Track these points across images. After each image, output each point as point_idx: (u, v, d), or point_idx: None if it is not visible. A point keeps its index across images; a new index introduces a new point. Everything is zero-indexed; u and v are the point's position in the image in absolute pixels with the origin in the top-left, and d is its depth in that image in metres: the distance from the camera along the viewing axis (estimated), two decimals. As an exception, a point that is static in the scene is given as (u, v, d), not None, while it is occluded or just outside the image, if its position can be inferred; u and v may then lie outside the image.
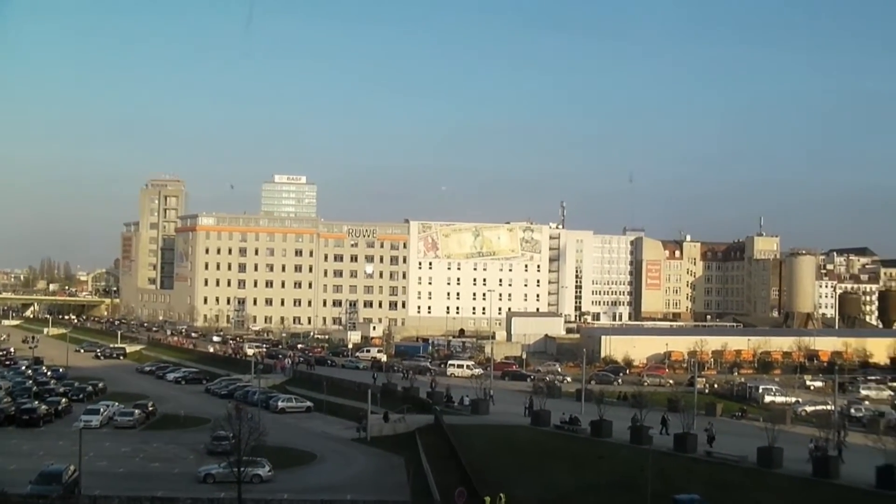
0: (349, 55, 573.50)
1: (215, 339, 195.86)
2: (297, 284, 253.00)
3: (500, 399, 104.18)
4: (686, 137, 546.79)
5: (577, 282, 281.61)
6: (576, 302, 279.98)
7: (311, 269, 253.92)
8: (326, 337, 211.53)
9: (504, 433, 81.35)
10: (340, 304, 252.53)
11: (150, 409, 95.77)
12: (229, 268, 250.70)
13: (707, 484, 58.77)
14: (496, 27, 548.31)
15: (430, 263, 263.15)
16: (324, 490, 59.90)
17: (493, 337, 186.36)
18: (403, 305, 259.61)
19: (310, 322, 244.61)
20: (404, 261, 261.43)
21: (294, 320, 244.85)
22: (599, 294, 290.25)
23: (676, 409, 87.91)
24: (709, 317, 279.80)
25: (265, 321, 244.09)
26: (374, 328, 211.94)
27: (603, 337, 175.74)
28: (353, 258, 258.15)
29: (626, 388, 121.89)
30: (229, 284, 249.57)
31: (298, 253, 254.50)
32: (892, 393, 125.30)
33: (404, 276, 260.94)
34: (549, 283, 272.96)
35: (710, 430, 75.44)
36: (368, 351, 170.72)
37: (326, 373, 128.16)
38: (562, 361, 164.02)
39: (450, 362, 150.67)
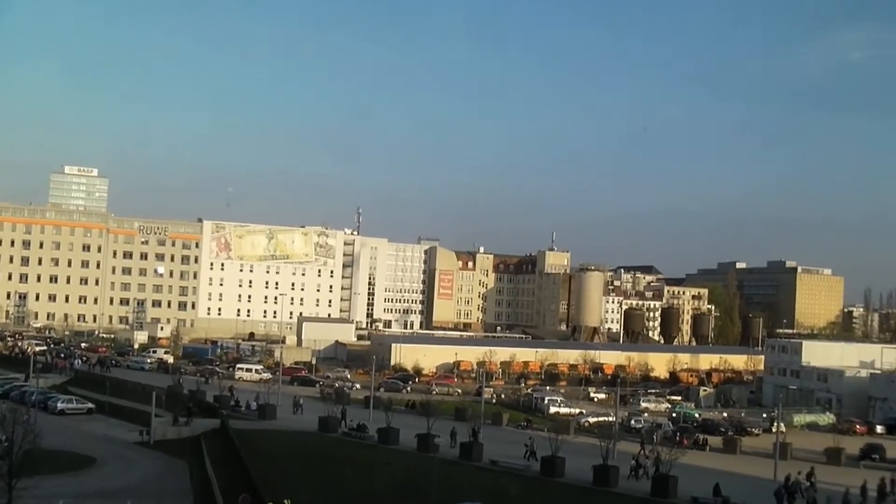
0: (143, 46, 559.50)
1: None
2: (84, 281, 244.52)
3: (289, 404, 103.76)
4: (483, 152, 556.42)
5: (369, 289, 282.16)
6: (368, 309, 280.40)
7: (98, 266, 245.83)
8: (112, 336, 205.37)
9: (291, 439, 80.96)
10: (128, 302, 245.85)
11: None
12: (11, 260, 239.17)
13: (490, 492, 59.87)
14: (290, 26, 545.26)
15: (223, 265, 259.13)
16: (102, 495, 57.97)
17: (284, 341, 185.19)
18: (193, 306, 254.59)
19: (95, 320, 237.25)
20: (196, 261, 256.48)
21: (79, 318, 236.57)
22: (392, 302, 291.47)
23: (464, 419, 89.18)
24: (499, 328, 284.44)
25: (48, 318, 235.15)
26: (162, 329, 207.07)
27: (393, 344, 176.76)
28: (144, 256, 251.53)
29: (415, 396, 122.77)
30: (10, 278, 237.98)
31: (86, 248, 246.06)
32: (669, 405, 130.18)
33: (195, 277, 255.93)
34: (342, 288, 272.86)
35: (530, 445, 75.29)
36: (155, 352, 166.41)
37: (111, 374, 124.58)
38: (352, 368, 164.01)
39: (238, 366, 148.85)
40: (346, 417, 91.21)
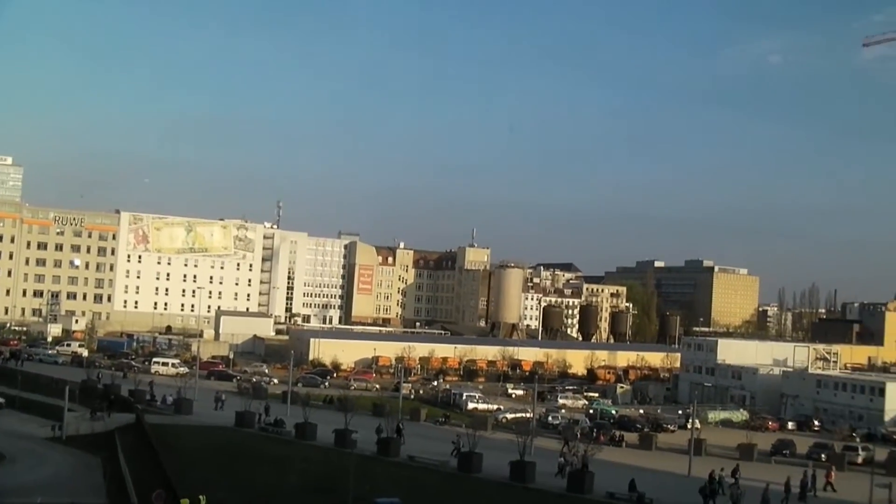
0: (58, 34, 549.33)
1: None
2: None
3: (206, 399, 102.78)
4: (404, 148, 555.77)
5: (289, 283, 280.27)
6: (287, 303, 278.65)
7: (11, 256, 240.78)
8: (25, 329, 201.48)
9: (208, 434, 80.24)
10: (42, 294, 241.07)
11: None
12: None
13: (408, 487, 59.88)
14: (200, 19, 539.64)
15: (140, 257, 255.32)
16: (12, 492, 56.57)
17: (201, 335, 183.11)
18: (110, 299, 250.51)
19: (7, 312, 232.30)
20: (113, 253, 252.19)
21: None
22: (311, 296, 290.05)
23: (382, 414, 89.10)
24: (418, 323, 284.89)
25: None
26: (77, 321, 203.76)
27: (312, 339, 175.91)
28: (59, 247, 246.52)
29: (333, 391, 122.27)
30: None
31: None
32: (586, 402, 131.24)
33: (112, 269, 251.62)
34: (261, 282, 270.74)
35: (457, 443, 74.10)
36: (69, 345, 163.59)
37: (24, 367, 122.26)
38: (270, 363, 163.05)
39: (154, 360, 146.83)
40: (269, 413, 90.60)
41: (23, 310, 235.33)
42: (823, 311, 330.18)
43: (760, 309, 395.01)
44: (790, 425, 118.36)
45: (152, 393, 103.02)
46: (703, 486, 63.33)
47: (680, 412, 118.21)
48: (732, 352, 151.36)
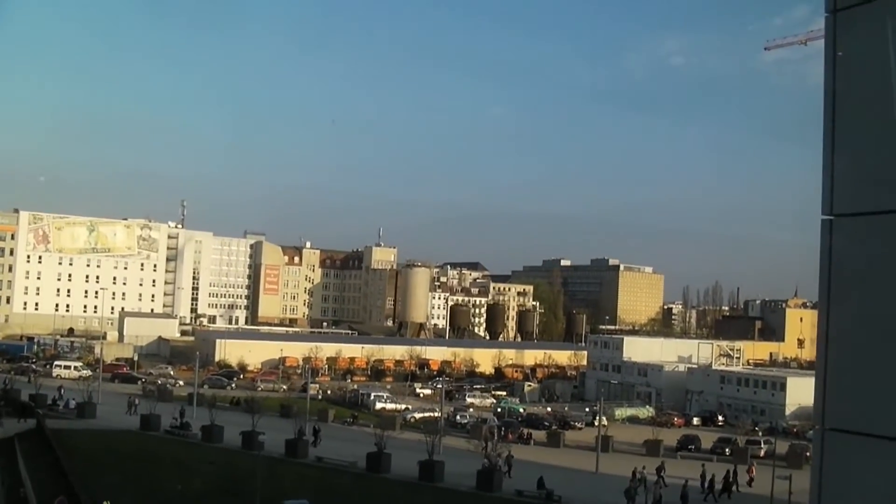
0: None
1: None
2: None
3: (109, 402, 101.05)
4: (310, 147, 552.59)
5: (194, 283, 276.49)
6: (192, 304, 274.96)
7: None
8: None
9: (112, 438, 78.84)
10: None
11: None
12: None
13: (317, 489, 59.57)
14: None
15: (40, 257, 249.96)
16: None
17: (105, 337, 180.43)
18: (8, 301, 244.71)
19: None
20: (11, 253, 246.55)
21: None
22: (217, 297, 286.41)
23: (289, 415, 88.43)
24: (325, 324, 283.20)
25: None
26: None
27: (218, 340, 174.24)
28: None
29: (240, 392, 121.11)
30: None
31: None
32: (494, 401, 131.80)
33: (10, 270, 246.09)
34: (166, 283, 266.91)
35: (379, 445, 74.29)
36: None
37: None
38: (175, 364, 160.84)
39: (56, 363, 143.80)
40: (184, 416, 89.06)
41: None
42: (727, 308, 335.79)
43: (665, 307, 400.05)
44: (695, 421, 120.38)
45: (61, 396, 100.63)
46: (629, 487, 63.39)
47: (587, 410, 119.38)
48: (638, 349, 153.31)
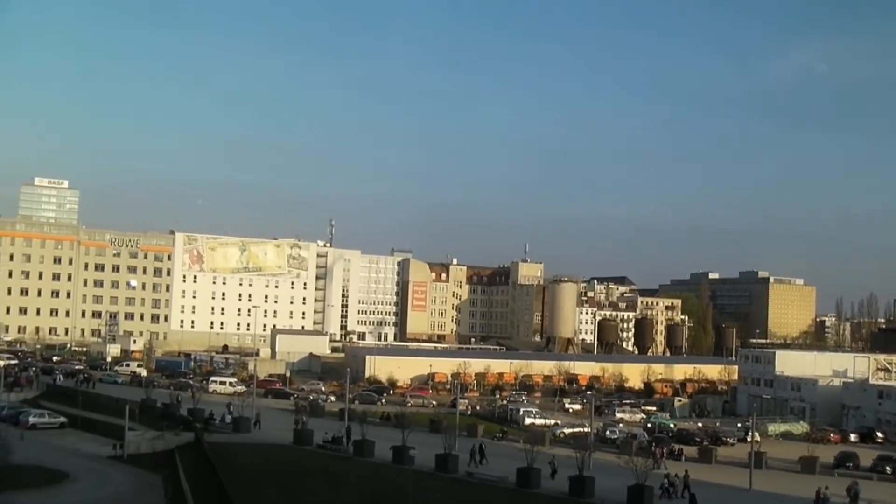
0: (114, 58, 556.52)
1: None
2: (55, 293, 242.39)
3: (263, 417, 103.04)
4: (455, 163, 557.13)
5: (343, 300, 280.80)
6: (341, 321, 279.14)
7: (70, 278, 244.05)
8: (84, 349, 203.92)
9: (266, 452, 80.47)
10: (100, 315, 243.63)
11: None
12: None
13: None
14: (257, 42, 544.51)
15: (195, 277, 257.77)
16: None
17: (258, 354, 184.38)
18: (166, 319, 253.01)
19: (67, 333, 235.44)
20: (168, 273, 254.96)
21: (50, 331, 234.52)
22: (365, 314, 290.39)
23: (439, 430, 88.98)
24: (473, 339, 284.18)
25: (18, 331, 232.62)
26: (135, 342, 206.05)
27: (368, 356, 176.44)
28: (116, 268, 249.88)
29: (390, 408, 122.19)
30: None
31: (57, 261, 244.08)
32: (644, 416, 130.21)
33: (168, 289, 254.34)
34: (316, 300, 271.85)
35: (553, 464, 74.00)
36: (128, 365, 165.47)
37: (83, 387, 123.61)
38: (326, 380, 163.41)
39: (212, 379, 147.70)
40: (351, 435, 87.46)
41: (82, 330, 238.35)
42: (883, 321, 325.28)
43: (818, 319, 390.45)
44: (852, 437, 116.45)
45: (230, 412, 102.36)
46: None
47: (739, 425, 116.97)
48: (791, 363, 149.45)
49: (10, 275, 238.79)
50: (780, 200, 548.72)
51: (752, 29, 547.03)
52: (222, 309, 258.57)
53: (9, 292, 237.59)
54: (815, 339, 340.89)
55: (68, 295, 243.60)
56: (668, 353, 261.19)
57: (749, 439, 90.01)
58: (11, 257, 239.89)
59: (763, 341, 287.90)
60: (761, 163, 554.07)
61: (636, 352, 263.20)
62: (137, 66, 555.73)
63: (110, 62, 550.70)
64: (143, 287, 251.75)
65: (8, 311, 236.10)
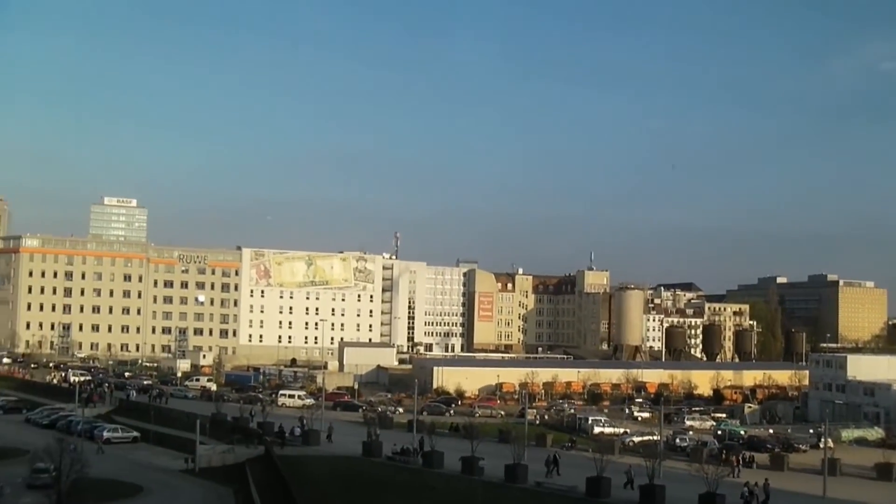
0: (179, 79, 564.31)
1: (5, 360, 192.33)
2: (126, 310, 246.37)
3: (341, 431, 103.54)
4: (518, 173, 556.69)
5: (409, 312, 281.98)
6: (408, 332, 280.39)
7: (140, 295, 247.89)
8: (155, 365, 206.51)
9: (336, 464, 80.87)
10: (170, 331, 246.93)
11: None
12: (54, 292, 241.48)
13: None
14: (318, 55, 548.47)
15: (263, 291, 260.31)
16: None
17: (325, 367, 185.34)
18: (234, 334, 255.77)
19: (138, 349, 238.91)
20: (236, 288, 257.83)
21: (122, 347, 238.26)
22: (432, 325, 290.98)
23: (507, 441, 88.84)
24: (540, 349, 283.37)
25: (91, 348, 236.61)
26: (205, 356, 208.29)
27: (435, 368, 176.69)
28: (184, 284, 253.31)
29: (458, 418, 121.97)
30: (54, 309, 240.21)
31: (127, 278, 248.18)
32: (714, 423, 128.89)
33: (236, 304, 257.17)
34: (382, 313, 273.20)
35: (629, 474, 72.68)
36: (198, 380, 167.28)
37: (156, 402, 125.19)
38: (394, 392, 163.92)
39: (281, 392, 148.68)
40: (425, 446, 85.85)
41: (152, 346, 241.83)
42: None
43: (890, 322, 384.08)
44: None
45: (303, 426, 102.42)
46: None
47: (811, 431, 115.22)
48: (863, 367, 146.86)
49: (83, 293, 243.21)
50: (848, 202, 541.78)
51: (814, 29, 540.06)
52: (290, 323, 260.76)
53: (81, 310, 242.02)
54: (888, 342, 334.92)
55: (138, 312, 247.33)
56: (736, 359, 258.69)
57: (822, 445, 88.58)
58: (83, 276, 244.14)
59: (834, 346, 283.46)
60: (825, 166, 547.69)
61: (704, 358, 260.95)
62: (199, 87, 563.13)
63: (172, 85, 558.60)
64: (212, 302, 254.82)
65: (81, 328, 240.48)
